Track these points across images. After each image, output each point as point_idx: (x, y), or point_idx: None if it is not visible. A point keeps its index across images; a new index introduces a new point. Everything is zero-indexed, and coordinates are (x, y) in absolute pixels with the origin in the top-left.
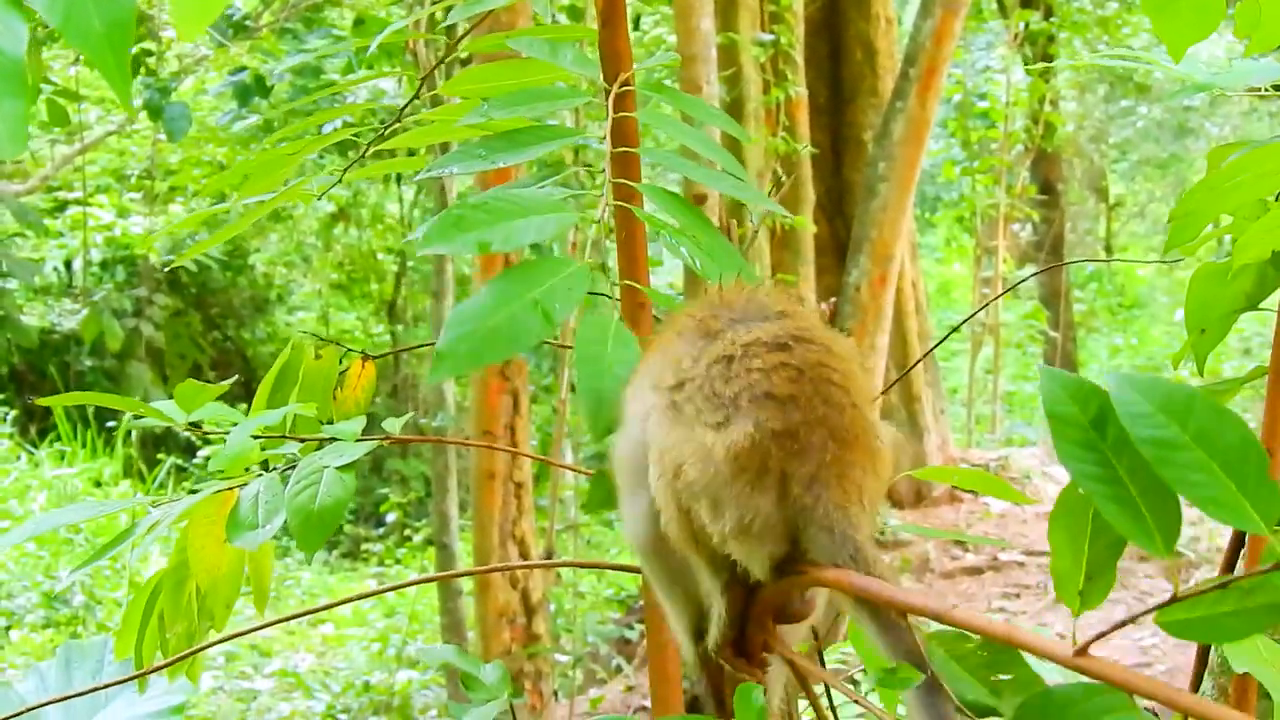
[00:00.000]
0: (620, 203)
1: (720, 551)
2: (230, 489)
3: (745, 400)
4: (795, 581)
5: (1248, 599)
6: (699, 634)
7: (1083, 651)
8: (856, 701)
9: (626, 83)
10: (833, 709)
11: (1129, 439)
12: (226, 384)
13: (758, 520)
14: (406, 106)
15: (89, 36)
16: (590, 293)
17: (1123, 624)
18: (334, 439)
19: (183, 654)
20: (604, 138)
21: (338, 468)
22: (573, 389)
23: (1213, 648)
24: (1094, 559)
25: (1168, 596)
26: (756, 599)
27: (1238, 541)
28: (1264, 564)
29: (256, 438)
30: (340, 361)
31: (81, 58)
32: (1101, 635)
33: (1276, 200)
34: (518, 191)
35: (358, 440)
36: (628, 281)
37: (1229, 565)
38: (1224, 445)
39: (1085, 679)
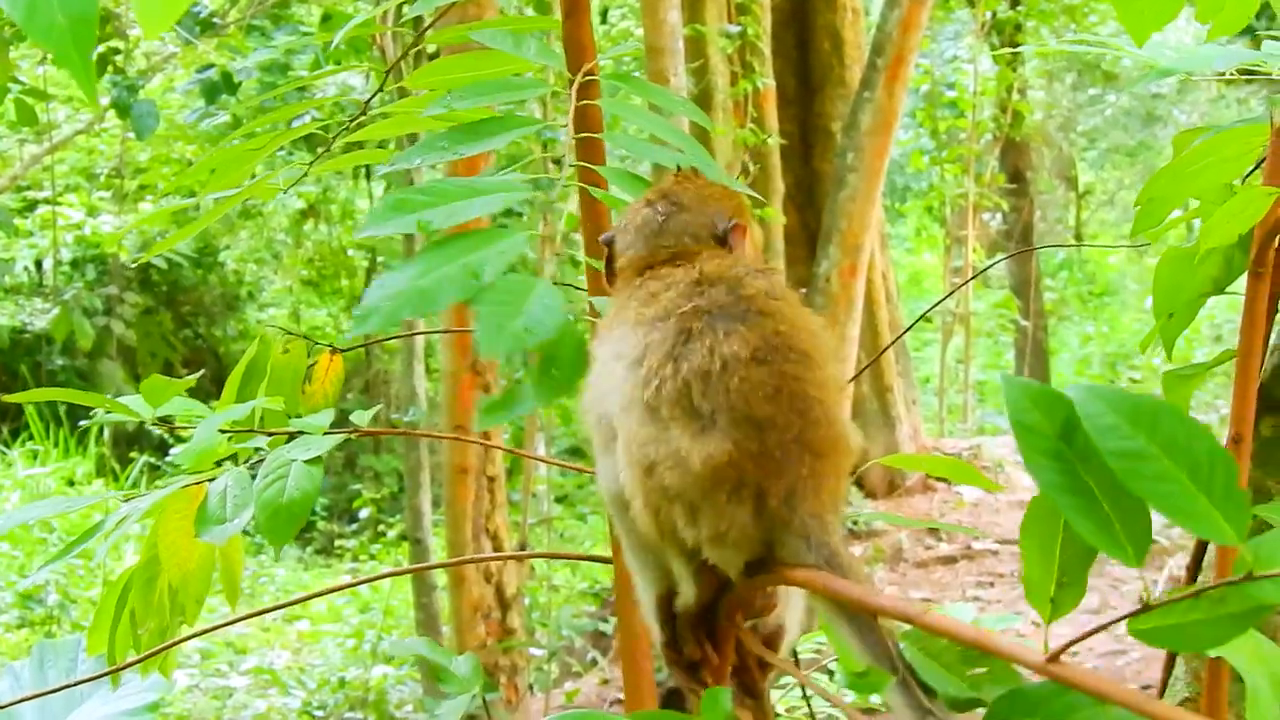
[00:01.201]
0: (583, 184)
1: (691, 547)
2: (199, 484)
3: (723, 420)
4: (767, 580)
5: (1219, 607)
6: (668, 607)
7: (1054, 658)
8: (806, 686)
9: (590, 73)
10: (807, 701)
11: (1096, 449)
12: (194, 378)
13: (734, 530)
14: (371, 99)
15: (52, 32)
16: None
17: (1092, 633)
18: (302, 432)
19: (154, 650)
20: (566, 126)
21: (306, 461)
22: None
23: None
24: (1065, 566)
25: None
26: (725, 593)
27: (1202, 546)
28: (1236, 573)
29: (224, 432)
30: (308, 355)
31: (49, 56)
32: (1072, 644)
33: (1242, 184)
34: (469, 179)
35: (326, 433)
36: (592, 261)
37: (1194, 570)
38: (1192, 455)
39: None
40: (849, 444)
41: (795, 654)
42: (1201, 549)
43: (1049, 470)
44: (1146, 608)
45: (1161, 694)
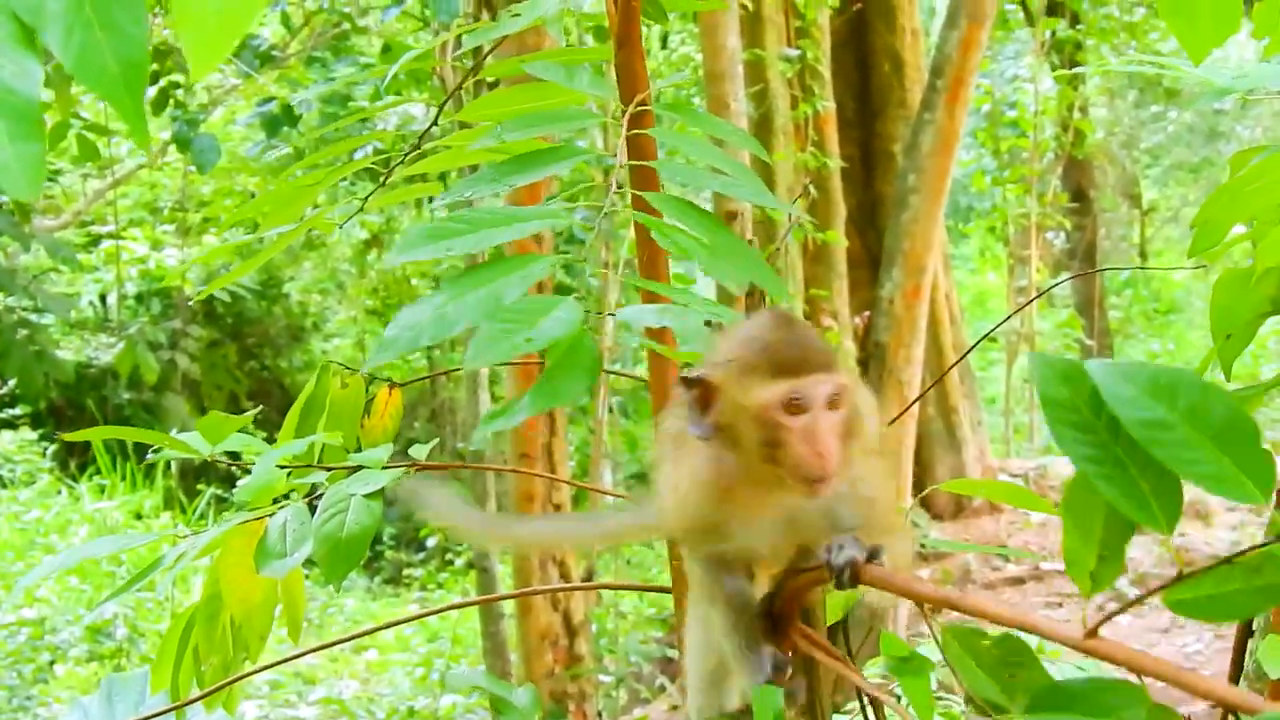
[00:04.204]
0: (634, 212)
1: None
2: (259, 520)
3: None
4: (810, 578)
5: (1255, 577)
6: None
7: (1092, 634)
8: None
9: (643, 102)
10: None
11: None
12: (250, 414)
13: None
14: (426, 132)
15: (103, 77)
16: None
17: (1128, 606)
18: (360, 467)
19: (218, 685)
20: (618, 155)
21: (365, 495)
22: (610, 410)
23: (1248, 655)
24: (1105, 541)
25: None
26: (783, 587)
27: None
28: (1268, 536)
29: (283, 467)
30: (367, 389)
31: None
32: (1109, 616)
33: None
34: (506, 208)
35: (385, 467)
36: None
37: None
38: (1214, 421)
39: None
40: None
41: (849, 649)
42: None
43: (1079, 443)
44: (1180, 578)
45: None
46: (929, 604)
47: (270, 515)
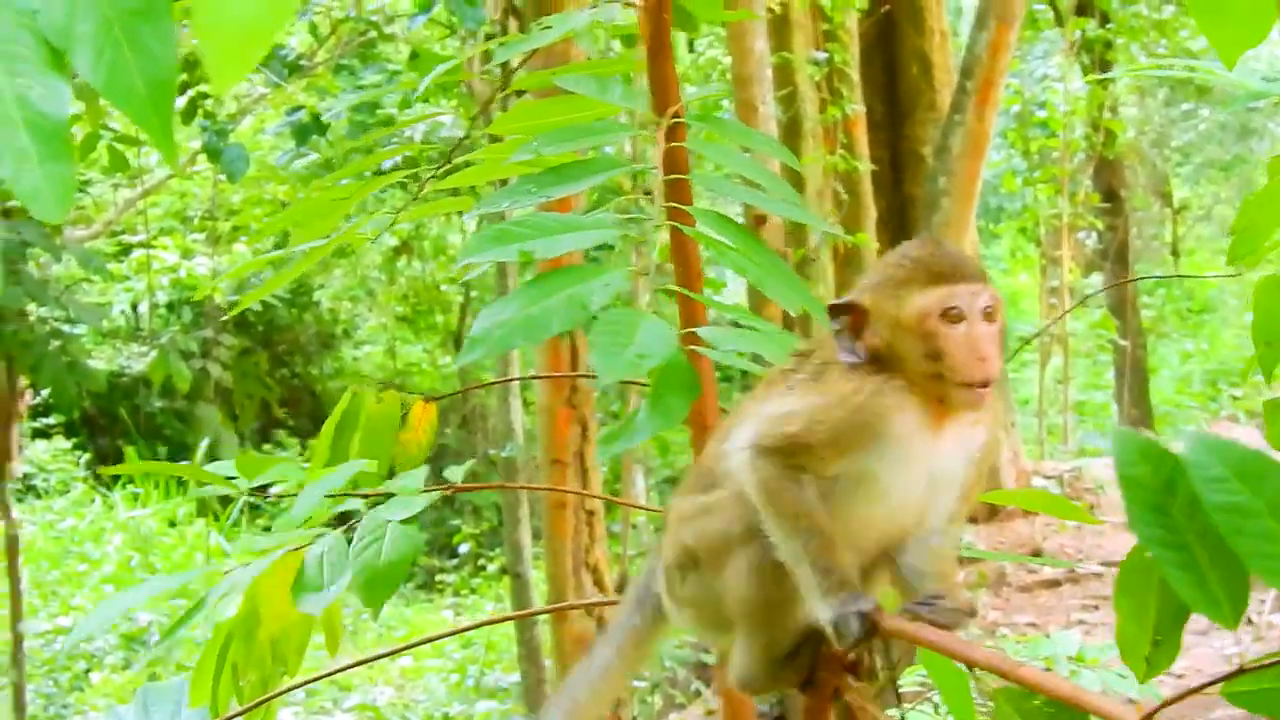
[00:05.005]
0: (672, 223)
1: None
2: (298, 547)
3: None
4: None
5: None
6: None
7: (1149, 719)
8: None
9: (676, 113)
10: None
11: (1200, 504)
12: (284, 459)
13: None
14: (458, 145)
15: (132, 97)
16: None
17: (1189, 693)
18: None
19: (259, 700)
20: (655, 167)
21: (402, 521)
22: None
23: None
24: (1161, 624)
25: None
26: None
27: None
28: None
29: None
30: (401, 404)
31: None
32: (1166, 704)
33: None
34: (566, 215)
35: (422, 491)
36: (684, 291)
37: None
38: None
39: None
40: None
41: (897, 688)
42: None
43: (1150, 523)
44: (1242, 670)
45: None
46: (984, 669)
47: (307, 545)
